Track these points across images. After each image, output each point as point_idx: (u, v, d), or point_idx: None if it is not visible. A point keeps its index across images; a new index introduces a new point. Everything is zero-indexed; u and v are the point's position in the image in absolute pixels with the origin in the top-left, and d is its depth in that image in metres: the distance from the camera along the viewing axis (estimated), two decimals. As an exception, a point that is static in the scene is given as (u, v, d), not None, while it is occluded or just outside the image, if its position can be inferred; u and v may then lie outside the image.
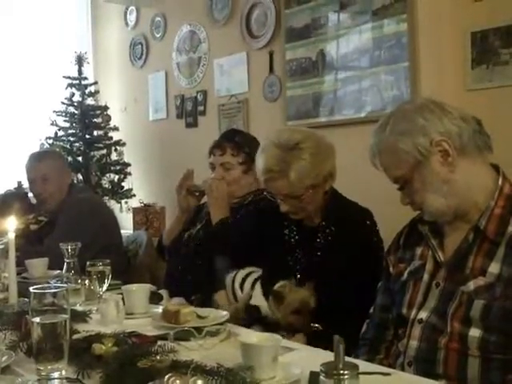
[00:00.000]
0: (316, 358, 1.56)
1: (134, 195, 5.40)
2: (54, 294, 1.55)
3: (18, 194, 4.55)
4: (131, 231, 4.90)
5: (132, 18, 5.78)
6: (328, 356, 1.39)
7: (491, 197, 1.72)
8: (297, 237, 2.49)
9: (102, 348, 1.58)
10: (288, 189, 2.36)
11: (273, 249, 2.49)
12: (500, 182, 1.74)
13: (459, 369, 1.63)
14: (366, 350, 1.94)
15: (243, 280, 2.45)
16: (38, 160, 3.70)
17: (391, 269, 1.94)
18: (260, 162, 2.41)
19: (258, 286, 2.37)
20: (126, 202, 5.39)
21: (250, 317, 2.30)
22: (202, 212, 2.98)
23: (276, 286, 2.21)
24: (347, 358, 1.35)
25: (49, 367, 1.49)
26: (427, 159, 1.72)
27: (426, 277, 1.78)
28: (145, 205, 5.20)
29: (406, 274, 1.85)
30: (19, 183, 4.80)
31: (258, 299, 2.32)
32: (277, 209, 2.46)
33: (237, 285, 2.47)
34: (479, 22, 3.09)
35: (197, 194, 2.96)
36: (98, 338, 1.66)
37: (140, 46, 5.68)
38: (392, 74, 3.41)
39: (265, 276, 2.42)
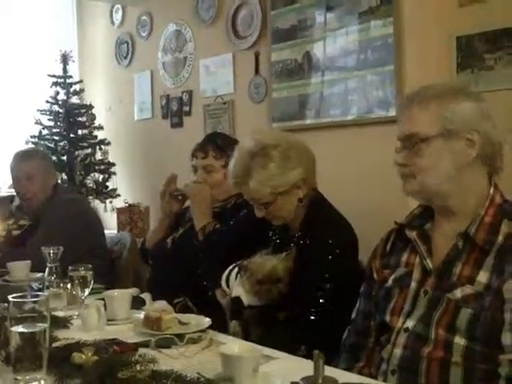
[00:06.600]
0: (297, 367, 1.56)
1: (119, 195, 5.37)
2: (35, 301, 1.54)
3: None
4: (115, 231, 4.89)
5: (118, 16, 5.74)
6: (308, 365, 1.39)
7: (482, 205, 1.73)
8: (278, 241, 2.48)
9: (81, 357, 1.56)
10: (251, 195, 2.37)
11: (259, 247, 2.48)
12: (491, 191, 1.75)
13: (442, 379, 1.63)
14: (347, 356, 1.93)
15: (227, 277, 2.46)
16: (22, 159, 3.67)
17: (374, 275, 1.94)
18: (230, 165, 2.42)
19: (238, 277, 2.38)
20: (111, 202, 5.36)
21: (234, 308, 2.34)
22: (185, 216, 2.98)
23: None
24: (327, 368, 1.35)
25: (27, 377, 1.46)
26: (455, 137, 1.72)
27: (413, 285, 1.77)
28: (129, 205, 5.18)
29: (390, 281, 1.84)
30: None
31: (237, 289, 2.33)
32: None
33: (223, 283, 2.48)
34: (464, 27, 3.10)
35: (179, 197, 2.95)
36: (78, 346, 1.65)
37: (126, 44, 5.64)
38: (378, 77, 3.41)
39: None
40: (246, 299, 2.29)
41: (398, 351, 1.72)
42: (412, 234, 1.83)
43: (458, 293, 1.65)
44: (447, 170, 1.73)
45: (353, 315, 2.00)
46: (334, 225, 2.36)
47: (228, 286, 2.48)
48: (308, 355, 1.83)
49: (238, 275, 2.37)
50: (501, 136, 1.76)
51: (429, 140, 1.73)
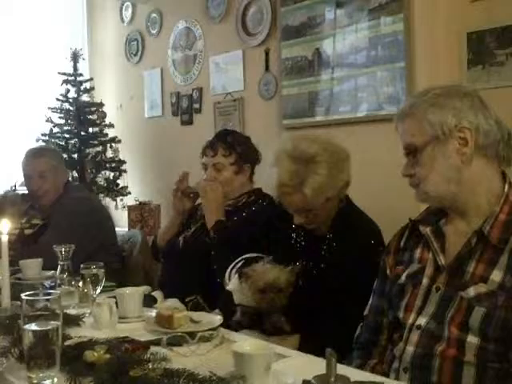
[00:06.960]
0: (309, 365, 1.56)
1: (130, 193, 5.38)
2: (47, 299, 1.55)
3: (10, 197, 4.50)
4: (126, 229, 4.90)
5: (128, 13, 5.75)
6: (320, 363, 1.39)
7: (496, 203, 1.72)
8: (303, 243, 2.47)
9: (94, 355, 1.56)
10: (303, 203, 2.32)
11: (278, 250, 2.47)
12: (506, 189, 1.74)
13: (454, 377, 1.62)
14: (360, 353, 1.93)
15: (230, 272, 2.46)
16: (34, 157, 3.69)
17: (388, 271, 1.93)
18: (274, 175, 2.37)
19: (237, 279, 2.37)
20: (122, 200, 5.37)
21: (225, 300, 2.32)
22: (197, 214, 2.98)
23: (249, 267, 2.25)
24: (339, 366, 1.35)
25: (40, 375, 1.48)
26: (446, 139, 1.72)
27: (425, 281, 1.76)
28: (140, 203, 5.19)
29: (403, 277, 1.83)
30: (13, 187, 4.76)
31: (233, 285, 2.33)
32: (286, 211, 2.43)
33: (226, 276, 2.47)
34: (475, 23, 3.09)
35: (191, 195, 2.95)
36: (91, 344, 1.65)
37: (136, 42, 5.65)
38: (388, 73, 3.40)
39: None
40: (237, 298, 2.29)
41: (410, 349, 1.71)
42: (426, 230, 1.83)
43: (471, 291, 1.65)
44: (444, 173, 1.74)
45: (365, 312, 1.99)
46: (370, 226, 2.38)
47: (229, 280, 2.47)
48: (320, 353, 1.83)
49: (238, 280, 2.35)
50: (495, 125, 1.74)
51: (423, 148, 1.75)
